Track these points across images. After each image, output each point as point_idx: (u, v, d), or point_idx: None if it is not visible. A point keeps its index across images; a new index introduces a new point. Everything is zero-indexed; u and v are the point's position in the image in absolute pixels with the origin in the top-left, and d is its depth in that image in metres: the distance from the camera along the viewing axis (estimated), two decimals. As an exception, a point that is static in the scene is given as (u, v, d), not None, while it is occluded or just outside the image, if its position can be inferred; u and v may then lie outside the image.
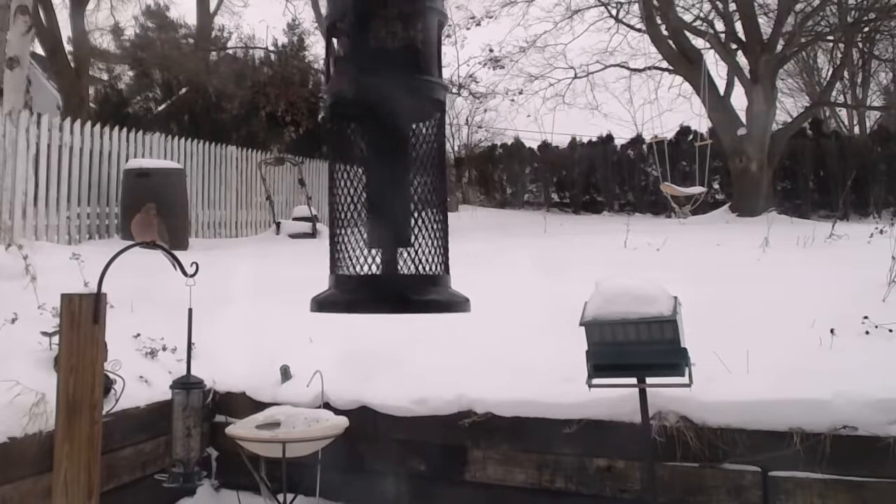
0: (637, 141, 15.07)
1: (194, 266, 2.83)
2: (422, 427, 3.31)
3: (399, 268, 1.09)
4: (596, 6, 15.21)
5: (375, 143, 1.10)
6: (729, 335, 3.23)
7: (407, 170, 1.10)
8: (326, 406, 3.43)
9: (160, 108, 14.09)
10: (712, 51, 12.93)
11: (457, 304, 1.11)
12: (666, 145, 12.27)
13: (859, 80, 19.64)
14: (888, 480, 2.59)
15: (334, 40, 1.12)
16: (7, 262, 4.43)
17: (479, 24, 16.14)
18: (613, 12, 14.96)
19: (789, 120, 16.55)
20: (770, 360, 3.03)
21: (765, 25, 12.88)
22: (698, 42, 13.01)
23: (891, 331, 3.22)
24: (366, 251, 1.10)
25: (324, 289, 1.14)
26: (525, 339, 3.61)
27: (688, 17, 13.69)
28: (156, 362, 3.65)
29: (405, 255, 1.10)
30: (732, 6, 12.82)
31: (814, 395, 2.74)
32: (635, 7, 13.97)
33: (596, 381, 2.75)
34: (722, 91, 12.56)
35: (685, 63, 12.59)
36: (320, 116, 14.19)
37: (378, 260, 1.09)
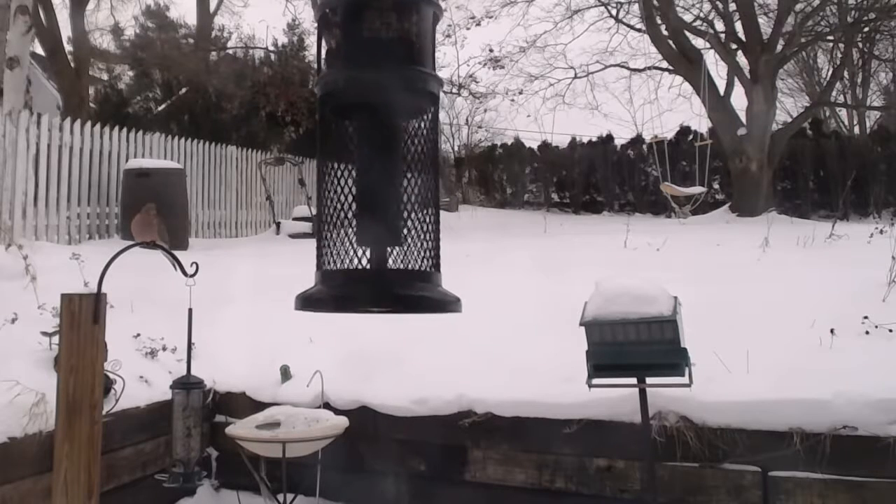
0: (637, 141, 15.07)
1: (194, 266, 2.83)
2: (422, 427, 3.31)
3: (389, 265, 1.07)
4: (596, 6, 15.21)
5: (367, 137, 1.08)
6: (729, 335, 3.23)
7: (399, 166, 1.08)
8: (326, 406, 3.43)
9: (160, 108, 14.08)
10: (712, 51, 12.92)
11: (447, 304, 1.09)
12: (666, 145, 12.27)
13: (859, 80, 19.63)
14: (888, 480, 2.59)
15: (326, 31, 1.10)
16: (7, 262, 4.42)
17: (479, 24, 16.12)
18: (613, 12, 14.96)
19: (789, 120, 16.55)
20: (770, 360, 3.03)
21: (765, 25, 12.88)
22: (698, 42, 13.01)
23: (891, 331, 3.22)
24: (354, 248, 1.07)
25: (310, 286, 1.11)
26: (525, 339, 3.61)
27: (688, 17, 13.69)
28: (156, 362, 3.65)
29: (395, 252, 1.07)
30: (732, 6, 12.82)
31: (814, 395, 2.74)
32: (635, 7, 13.97)
33: (596, 381, 2.75)
34: (722, 91, 12.56)
35: (685, 63, 12.59)
36: (317, 112, 14.14)
37: (367, 257, 1.07)
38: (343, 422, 3.16)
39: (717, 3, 13.28)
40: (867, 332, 3.24)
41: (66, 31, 13.83)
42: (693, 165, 11.81)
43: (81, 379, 2.34)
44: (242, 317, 4.18)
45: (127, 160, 8.09)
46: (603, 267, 4.37)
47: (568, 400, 3.04)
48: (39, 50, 13.55)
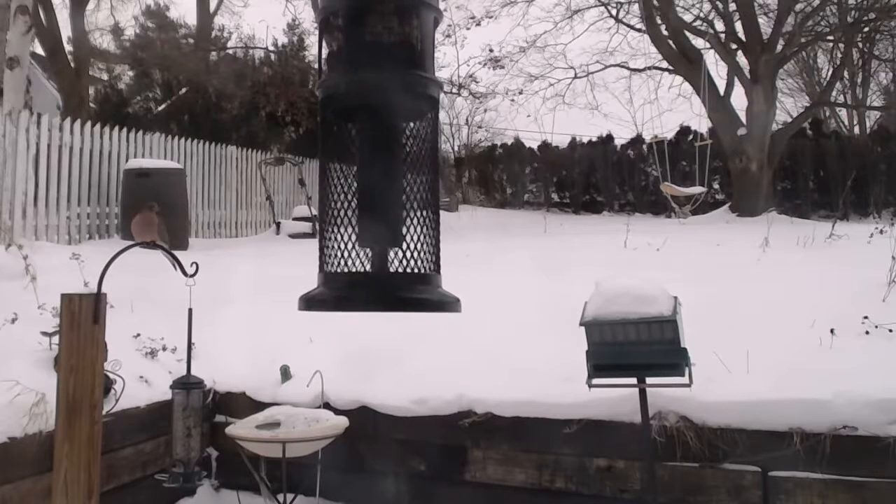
0: (637, 141, 15.07)
1: (194, 266, 2.83)
2: (422, 427, 3.31)
3: (389, 266, 1.08)
4: (596, 6, 15.21)
5: (368, 139, 1.09)
6: (729, 335, 3.23)
7: (400, 168, 1.09)
8: (326, 406, 3.43)
9: (160, 108, 14.08)
10: (712, 51, 12.93)
11: (447, 304, 1.09)
12: (666, 145, 12.27)
13: (859, 80, 19.63)
14: (888, 480, 2.59)
15: (327, 34, 1.11)
16: (7, 262, 4.42)
17: (479, 24, 16.13)
18: (613, 12, 14.96)
19: (789, 120, 16.56)
20: (770, 360, 3.03)
21: (765, 25, 12.88)
22: (698, 42, 13.01)
23: (891, 331, 3.22)
24: (356, 249, 1.08)
25: (313, 287, 1.12)
26: (525, 339, 3.61)
27: (688, 17, 13.69)
28: (156, 362, 3.65)
29: (396, 253, 1.08)
30: (732, 6, 12.82)
31: (814, 395, 2.74)
32: (635, 7, 13.97)
33: (596, 381, 2.75)
34: (722, 91, 12.56)
35: (685, 63, 12.59)
36: (319, 115, 14.15)
37: (368, 258, 1.08)
38: (343, 422, 3.16)
39: (717, 3, 13.28)
40: (867, 332, 3.24)
41: (66, 31, 13.85)
42: (693, 165, 11.81)
43: (81, 379, 2.34)
44: (242, 317, 4.18)
45: (127, 160, 8.09)
46: (603, 267, 4.37)
47: (568, 400, 3.04)
48: (39, 50, 13.55)
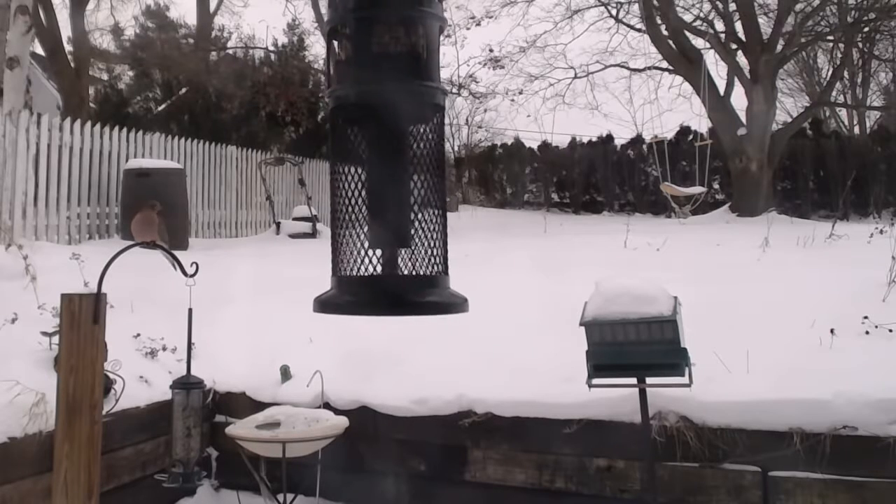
0: (637, 141, 15.08)
1: (194, 266, 2.83)
2: (422, 427, 3.31)
3: (399, 269, 1.11)
4: (596, 6, 15.22)
5: (376, 145, 1.11)
6: (729, 335, 3.23)
7: (407, 171, 1.11)
8: (326, 406, 3.43)
9: (160, 108, 14.09)
10: (712, 51, 12.93)
11: (455, 306, 1.12)
12: (666, 145, 12.27)
13: (859, 80, 19.63)
14: (888, 480, 2.59)
15: (335, 43, 1.13)
16: (7, 262, 4.42)
17: (479, 24, 16.14)
18: (613, 12, 14.97)
19: (789, 120, 16.56)
20: (770, 360, 3.03)
21: (765, 25, 12.88)
22: (698, 42, 13.02)
23: (891, 331, 3.22)
24: (367, 252, 1.11)
25: (325, 289, 1.15)
26: (525, 339, 3.61)
27: (688, 17, 13.70)
28: (156, 362, 3.65)
29: (405, 256, 1.11)
30: (732, 6, 12.82)
31: (814, 395, 2.74)
32: (635, 7, 13.97)
33: (596, 381, 2.75)
34: (722, 91, 12.56)
35: (685, 63, 12.59)
36: (320, 116, 14.19)
37: (379, 261, 1.10)
38: (343, 422, 3.16)
39: (717, 3, 13.29)
40: (867, 332, 3.24)
41: (66, 31, 13.85)
42: (693, 165, 11.81)
43: (81, 379, 2.34)
44: (242, 317, 4.18)
45: (127, 160, 8.08)
46: (603, 267, 4.37)
47: (568, 400, 3.04)
48: (39, 50, 13.55)
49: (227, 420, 3.54)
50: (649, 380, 2.74)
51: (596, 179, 15.26)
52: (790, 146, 12.99)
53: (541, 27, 27.75)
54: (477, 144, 17.31)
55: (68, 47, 13.92)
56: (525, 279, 4.71)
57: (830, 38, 14.07)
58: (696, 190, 11.18)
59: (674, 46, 12.78)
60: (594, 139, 15.73)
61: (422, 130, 1.13)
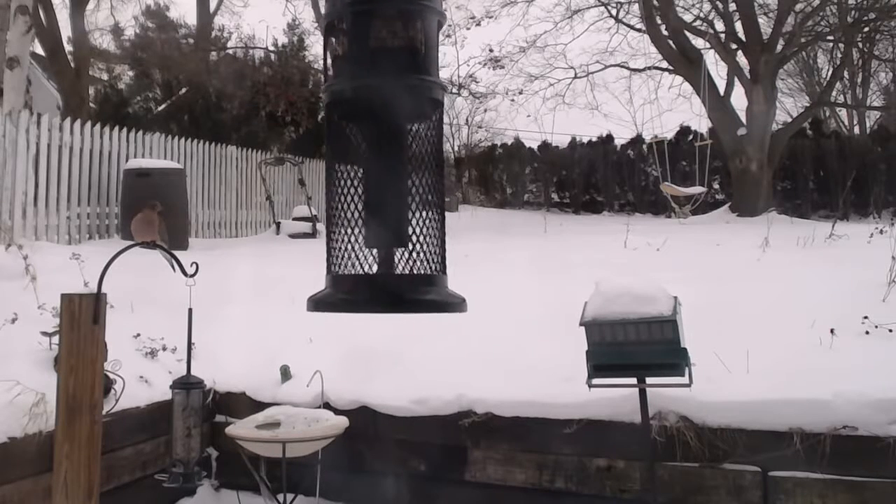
0: (637, 141, 15.07)
1: (194, 266, 2.82)
2: (422, 427, 3.31)
3: (396, 267, 1.09)
4: (596, 6, 15.21)
5: (374, 142, 1.10)
6: (729, 335, 3.23)
7: (405, 169, 1.10)
8: (326, 406, 3.43)
9: (160, 108, 14.09)
10: (712, 51, 12.93)
11: (453, 305, 1.11)
12: (666, 145, 12.27)
13: (859, 80, 19.63)
14: (888, 480, 2.59)
15: (332, 39, 1.12)
16: (7, 262, 4.43)
17: (479, 24, 16.13)
18: (613, 12, 14.96)
19: (789, 120, 16.56)
20: (770, 360, 3.03)
21: (765, 25, 12.88)
22: (698, 42, 13.01)
23: (891, 331, 3.22)
24: (363, 251, 1.09)
25: (321, 288, 1.13)
26: (525, 340, 3.61)
27: (688, 17, 13.69)
28: (156, 362, 3.65)
29: (402, 254, 1.10)
30: (732, 6, 12.82)
31: (814, 395, 2.74)
32: (635, 7, 13.97)
33: (596, 381, 2.75)
34: (722, 91, 12.56)
35: (685, 63, 12.59)
36: (320, 116, 14.19)
37: (375, 260, 1.09)
38: (343, 422, 3.16)
39: (717, 3, 13.29)
40: (867, 332, 3.24)
41: (66, 31, 13.84)
42: (693, 165, 11.81)
43: (81, 379, 2.34)
44: (242, 317, 4.18)
45: (127, 160, 8.08)
46: (603, 267, 4.38)
47: (568, 400, 3.04)
48: (39, 50, 13.55)
49: (227, 420, 3.54)
50: (649, 380, 2.74)
51: (596, 179, 15.26)
52: (790, 146, 12.99)
53: (541, 27, 27.71)
54: (477, 144, 17.32)
55: (68, 47, 13.92)
56: (525, 279, 4.71)
57: (830, 38, 14.07)
58: (696, 190, 11.18)
59: (674, 46, 12.77)
60: (594, 139, 15.73)
61: (420, 127, 1.12)
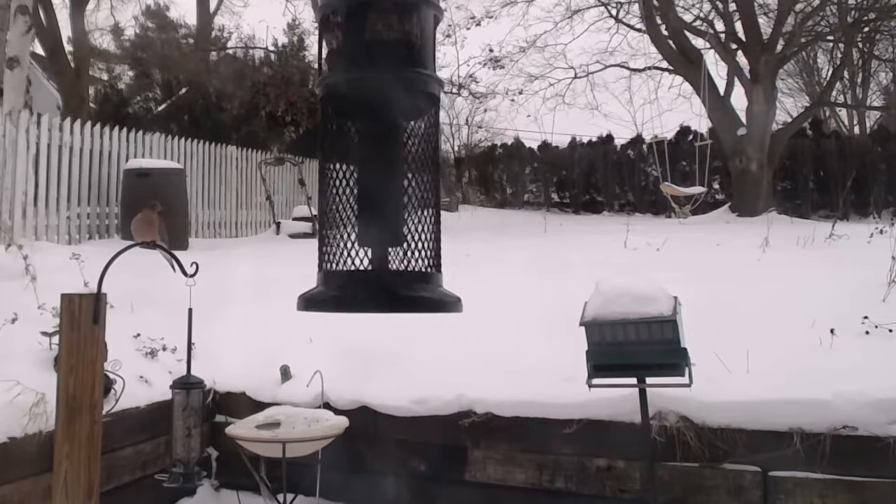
0: (637, 141, 15.08)
1: (194, 266, 2.82)
2: (422, 427, 3.31)
3: (390, 266, 1.08)
4: (596, 6, 15.21)
5: (368, 137, 1.09)
6: (729, 335, 3.23)
7: (400, 166, 1.08)
8: (326, 406, 3.43)
9: (160, 108, 14.08)
10: (712, 51, 12.93)
11: (448, 304, 1.09)
12: (666, 145, 12.27)
13: (859, 80, 19.64)
14: (888, 480, 2.59)
15: (327, 32, 1.11)
16: (7, 262, 4.42)
17: (479, 24, 16.14)
18: (613, 12, 14.97)
19: (789, 120, 16.56)
20: (770, 360, 3.03)
21: (765, 25, 12.88)
22: (698, 42, 13.01)
23: (891, 331, 3.22)
24: (355, 249, 1.08)
25: (312, 286, 1.12)
26: (525, 339, 3.61)
27: (688, 17, 13.69)
28: (156, 362, 3.65)
29: (396, 253, 1.08)
30: (732, 6, 12.82)
31: (814, 395, 2.74)
32: (635, 7, 13.97)
33: (596, 381, 2.75)
34: (722, 91, 12.56)
35: (685, 63, 12.59)
36: (319, 114, 14.16)
37: (368, 257, 1.08)
38: (343, 422, 3.15)
39: (717, 3, 13.29)
40: (867, 332, 3.24)
41: (66, 31, 13.85)
42: (693, 165, 11.81)
43: (81, 379, 2.34)
44: (242, 317, 4.18)
45: (127, 160, 8.08)
46: (603, 267, 4.38)
47: (568, 400, 3.04)
48: (39, 50, 13.55)
49: (227, 420, 3.54)
50: (649, 380, 2.74)
51: (596, 179, 15.26)
52: (790, 146, 12.99)
53: (541, 27, 27.78)
54: (477, 144, 17.33)
55: (68, 47, 13.92)
56: (525, 279, 4.71)
57: (830, 38, 14.07)
58: (696, 190, 11.18)
59: (674, 46, 12.77)
60: (594, 139, 15.74)
61: (416, 124, 1.10)
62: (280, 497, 3.15)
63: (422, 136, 1.11)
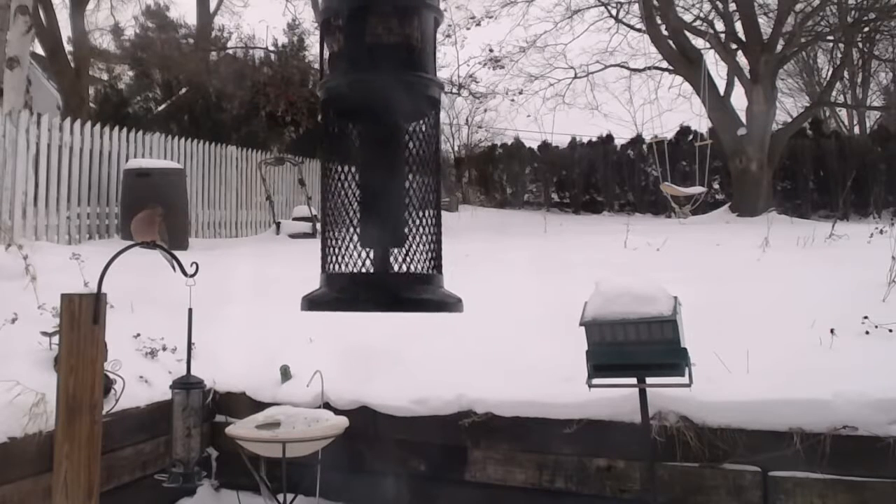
0: (637, 141, 15.09)
1: (194, 266, 2.82)
2: (422, 427, 3.31)
3: (391, 267, 1.09)
4: (596, 6, 15.22)
5: (370, 140, 1.09)
6: (729, 335, 3.23)
7: (401, 168, 1.09)
8: (326, 406, 3.43)
9: (160, 108, 14.09)
10: (712, 51, 12.93)
11: (449, 304, 1.10)
12: (666, 145, 12.27)
13: (859, 80, 19.65)
14: (888, 480, 2.59)
15: (329, 35, 1.11)
16: (7, 262, 4.42)
17: (479, 24, 16.15)
18: (613, 12, 14.98)
19: (789, 120, 16.57)
20: (770, 360, 3.03)
21: (765, 25, 12.88)
22: (698, 42, 13.02)
23: (891, 331, 3.22)
24: (358, 249, 1.09)
25: (316, 287, 1.13)
26: (525, 339, 3.61)
27: (688, 17, 13.70)
28: (156, 362, 3.65)
29: (398, 254, 1.09)
30: (732, 6, 12.82)
31: (814, 395, 2.74)
32: (635, 7, 13.97)
33: (596, 381, 2.75)
34: (722, 91, 12.57)
35: (685, 63, 12.59)
36: (320, 116, 14.18)
37: (370, 258, 1.09)
38: (343, 422, 3.15)
39: (717, 3, 13.29)
40: (867, 332, 3.24)
41: (66, 31, 13.85)
42: (693, 165, 11.82)
43: (81, 379, 2.34)
44: (242, 317, 4.18)
45: (127, 160, 8.08)
46: (603, 267, 4.38)
47: (568, 400, 3.04)
48: (39, 50, 13.56)
49: (227, 420, 3.54)
50: (649, 380, 2.74)
51: (596, 179, 15.27)
52: (790, 146, 12.99)
53: (541, 27, 27.79)
54: (477, 144, 17.34)
55: (68, 47, 13.93)
56: (525, 279, 4.71)
57: (830, 38, 14.08)
58: (696, 190, 11.19)
59: (674, 46, 12.78)
60: (594, 139, 15.74)
61: (417, 126, 1.11)
62: (280, 497, 3.15)
63: (422, 137, 1.11)
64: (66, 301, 2.36)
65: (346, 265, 1.09)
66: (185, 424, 3.03)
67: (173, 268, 2.80)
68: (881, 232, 5.74)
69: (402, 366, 3.57)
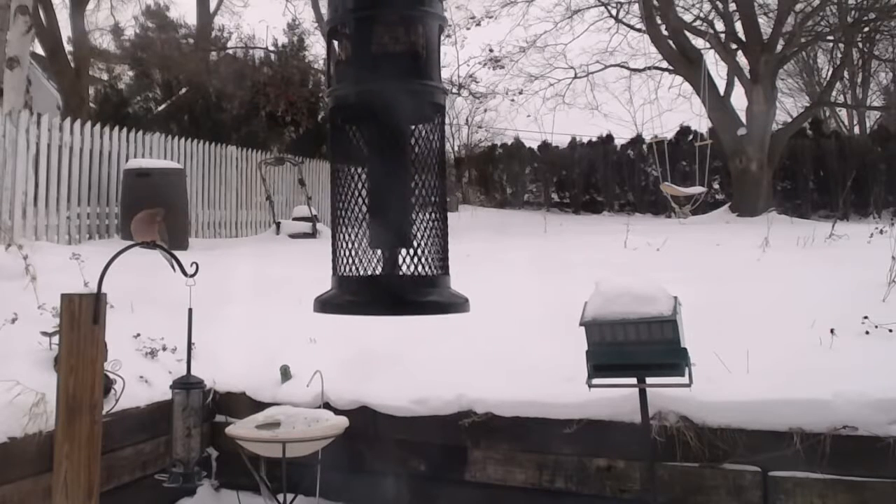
0: (637, 141, 15.08)
1: (194, 266, 2.82)
2: (422, 427, 3.31)
3: (399, 269, 1.11)
4: (596, 6, 15.23)
5: (377, 145, 1.11)
6: (729, 335, 3.23)
7: (407, 171, 1.11)
8: (326, 406, 3.43)
9: (160, 108, 14.09)
10: (712, 51, 12.93)
11: (456, 305, 1.12)
12: (666, 145, 12.27)
13: (859, 80, 19.64)
14: (888, 480, 2.59)
15: (335, 43, 1.13)
16: (7, 262, 4.42)
17: (479, 24, 16.15)
18: (613, 12, 14.98)
19: (789, 120, 16.57)
20: (770, 360, 3.03)
21: (765, 25, 12.88)
22: (698, 42, 13.02)
23: (891, 331, 3.22)
24: (367, 252, 1.11)
25: (326, 289, 1.15)
26: (525, 339, 3.61)
27: (688, 17, 13.70)
28: (156, 362, 3.65)
29: (406, 256, 1.11)
30: (732, 6, 12.82)
31: (814, 395, 2.74)
32: (635, 7, 13.97)
33: (596, 381, 2.75)
34: (722, 91, 12.57)
35: (685, 63, 12.59)
36: (320, 116, 14.20)
37: (379, 261, 1.11)
38: (343, 422, 3.16)
39: (717, 3, 13.29)
40: (867, 332, 3.24)
41: (66, 31, 13.84)
42: (693, 165, 11.81)
43: (81, 379, 2.34)
44: (242, 317, 4.18)
45: (127, 160, 8.08)
46: (603, 267, 4.38)
47: (568, 400, 3.04)
48: (39, 50, 13.55)
49: (227, 420, 3.54)
50: (649, 380, 2.74)
51: (596, 179, 15.27)
52: (790, 146, 12.99)
53: (541, 27, 27.78)
54: (477, 144, 17.34)
55: (68, 47, 13.92)
56: (525, 279, 4.71)
57: (830, 38, 14.08)
58: (696, 190, 11.18)
59: (674, 46, 12.78)
60: (594, 139, 15.74)
61: (422, 130, 1.13)
62: (280, 497, 3.15)
63: (427, 141, 1.13)
64: (66, 301, 2.36)
65: (357, 268, 1.11)
66: (185, 424, 3.03)
67: (173, 268, 2.80)
68: (881, 232, 5.74)
69: (402, 366, 3.57)
